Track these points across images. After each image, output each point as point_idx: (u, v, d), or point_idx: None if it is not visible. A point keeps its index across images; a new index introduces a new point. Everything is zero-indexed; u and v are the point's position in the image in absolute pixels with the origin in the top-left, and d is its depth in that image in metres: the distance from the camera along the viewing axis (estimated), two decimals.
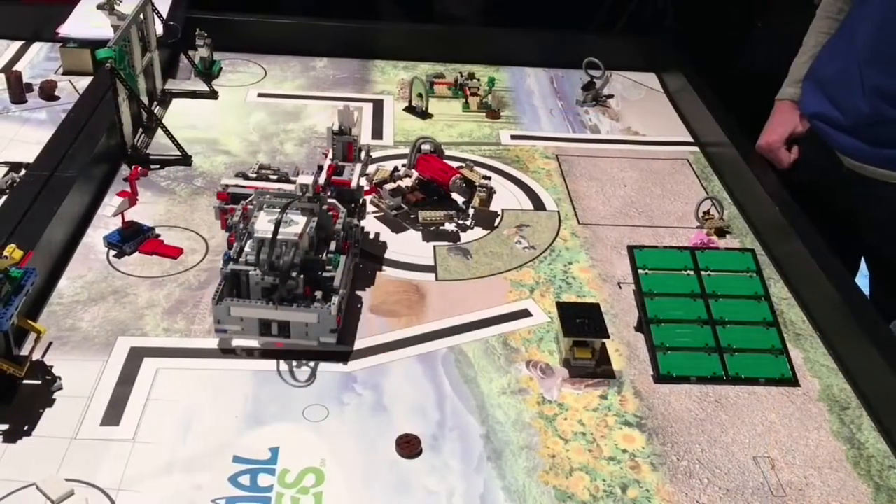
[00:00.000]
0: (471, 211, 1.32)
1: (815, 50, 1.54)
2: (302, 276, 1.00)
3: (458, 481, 0.89)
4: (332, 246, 1.07)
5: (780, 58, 1.66)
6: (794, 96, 1.57)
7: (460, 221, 1.31)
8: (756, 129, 1.62)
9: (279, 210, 1.01)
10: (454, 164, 1.34)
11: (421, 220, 1.28)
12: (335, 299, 1.01)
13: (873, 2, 1.36)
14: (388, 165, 1.35)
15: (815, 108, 1.50)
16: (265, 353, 1.03)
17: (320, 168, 1.16)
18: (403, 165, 1.35)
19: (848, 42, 1.42)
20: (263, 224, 1.00)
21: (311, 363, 1.02)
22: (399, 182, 1.33)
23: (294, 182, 1.07)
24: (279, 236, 0.98)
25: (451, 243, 1.27)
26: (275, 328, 1.01)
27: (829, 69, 1.47)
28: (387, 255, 1.24)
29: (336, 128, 1.20)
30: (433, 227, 1.29)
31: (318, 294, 1.01)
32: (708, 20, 2.30)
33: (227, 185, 1.14)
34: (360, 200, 1.19)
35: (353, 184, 1.16)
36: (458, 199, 1.34)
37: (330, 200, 1.11)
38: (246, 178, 1.16)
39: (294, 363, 1.02)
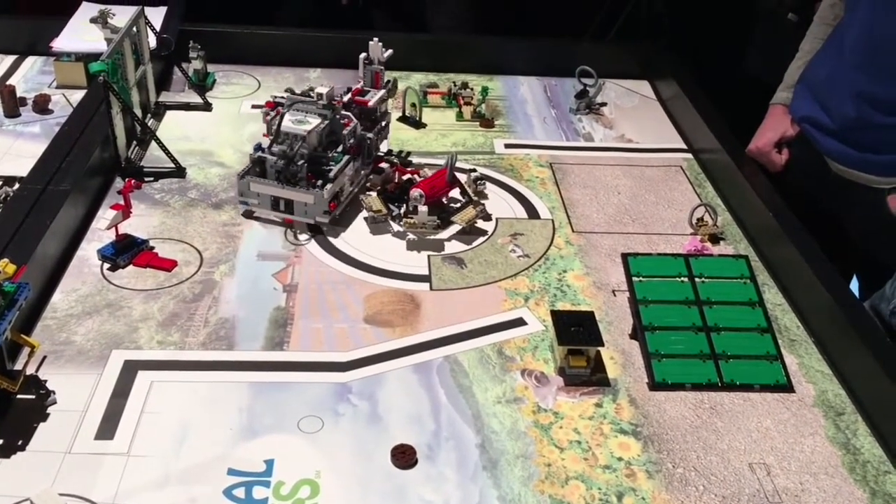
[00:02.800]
0: (405, 222, 1.32)
1: (810, 56, 1.55)
2: (305, 164, 1.26)
3: (453, 491, 0.88)
4: (341, 148, 1.31)
5: (775, 63, 1.66)
6: (787, 101, 1.58)
7: (387, 220, 1.33)
8: (751, 135, 1.62)
9: (300, 112, 1.29)
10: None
11: (361, 197, 1.34)
12: (329, 186, 1.25)
13: (861, 8, 1.37)
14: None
15: (805, 112, 1.51)
16: (260, 365, 1.03)
17: (349, 89, 1.41)
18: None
19: (837, 47, 1.43)
20: (287, 122, 1.27)
21: (309, 233, 1.29)
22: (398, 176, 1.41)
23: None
24: (290, 131, 1.26)
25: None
26: (282, 205, 1.28)
27: (819, 74, 1.48)
28: (381, 265, 1.24)
29: (366, 59, 1.43)
30: (370, 213, 1.32)
31: (319, 182, 1.26)
32: (703, 25, 2.31)
33: (275, 97, 1.38)
34: (384, 123, 1.45)
35: (371, 104, 1.39)
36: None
37: (345, 112, 1.34)
38: (293, 93, 1.38)
39: (298, 231, 1.29)
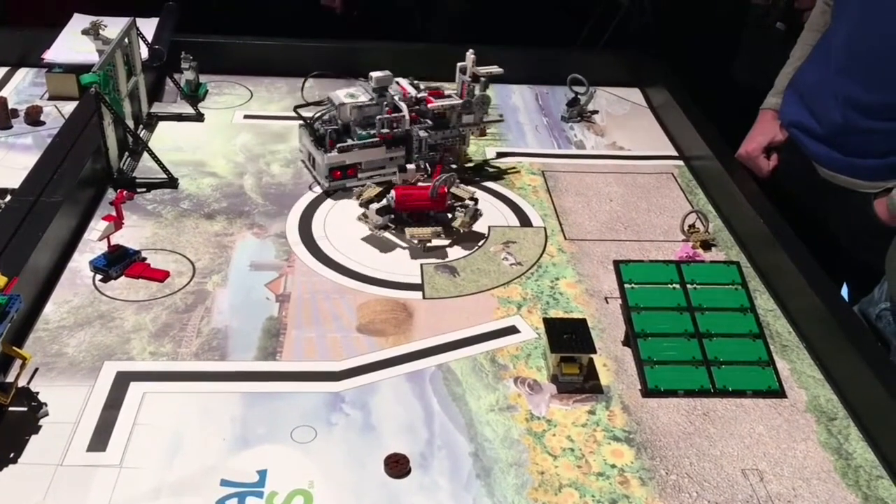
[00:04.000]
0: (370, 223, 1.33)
1: (800, 62, 1.56)
2: (329, 130, 1.39)
3: (447, 500, 0.88)
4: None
5: (763, 71, 1.67)
6: (776, 106, 1.59)
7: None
8: (741, 142, 1.63)
9: (360, 90, 1.43)
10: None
11: (367, 183, 1.42)
12: (333, 152, 1.38)
13: (847, 15, 1.38)
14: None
15: (793, 117, 1.52)
16: (253, 375, 1.03)
17: (423, 88, 1.47)
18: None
19: (825, 53, 1.45)
20: (339, 93, 1.42)
21: (319, 189, 1.44)
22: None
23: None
24: (332, 99, 1.41)
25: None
26: (312, 161, 1.46)
27: (808, 79, 1.50)
28: (374, 274, 1.24)
29: (462, 68, 1.48)
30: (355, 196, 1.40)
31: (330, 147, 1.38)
32: (693, 33, 2.32)
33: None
34: (463, 136, 1.50)
35: (431, 105, 1.45)
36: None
37: (399, 103, 1.42)
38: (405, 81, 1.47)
39: (313, 184, 1.45)
